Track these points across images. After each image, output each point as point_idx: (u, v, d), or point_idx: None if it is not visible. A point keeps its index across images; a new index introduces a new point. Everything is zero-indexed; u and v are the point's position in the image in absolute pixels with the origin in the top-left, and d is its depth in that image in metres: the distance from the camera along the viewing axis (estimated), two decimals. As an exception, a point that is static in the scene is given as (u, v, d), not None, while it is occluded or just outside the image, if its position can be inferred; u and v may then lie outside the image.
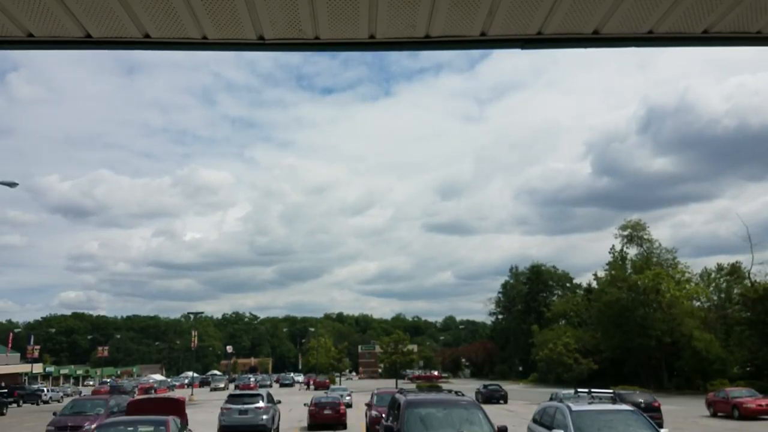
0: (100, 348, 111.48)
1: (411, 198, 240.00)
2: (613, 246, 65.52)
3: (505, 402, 43.55)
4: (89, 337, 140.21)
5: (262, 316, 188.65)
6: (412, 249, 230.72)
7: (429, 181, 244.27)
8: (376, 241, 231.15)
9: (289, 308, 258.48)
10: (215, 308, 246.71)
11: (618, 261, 63.83)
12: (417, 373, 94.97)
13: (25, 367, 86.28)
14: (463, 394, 14.54)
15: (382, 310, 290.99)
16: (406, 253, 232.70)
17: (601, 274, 66.63)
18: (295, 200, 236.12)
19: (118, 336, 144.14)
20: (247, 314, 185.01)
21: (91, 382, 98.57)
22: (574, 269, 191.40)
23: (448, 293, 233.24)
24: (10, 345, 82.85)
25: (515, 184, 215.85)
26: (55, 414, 24.00)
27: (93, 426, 17.96)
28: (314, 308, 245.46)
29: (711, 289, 62.39)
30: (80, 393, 66.08)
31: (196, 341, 76.30)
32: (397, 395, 14.86)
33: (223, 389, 68.28)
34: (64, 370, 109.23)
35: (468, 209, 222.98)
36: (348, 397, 38.73)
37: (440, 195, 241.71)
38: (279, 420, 25.88)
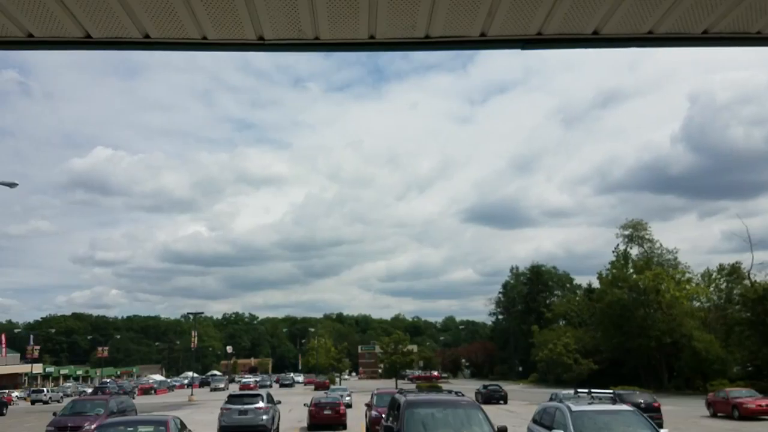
0: (99, 348, 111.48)
1: (461, 186, 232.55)
2: (617, 245, 65.64)
3: (505, 402, 43.50)
4: (89, 337, 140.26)
5: (279, 315, 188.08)
6: (449, 243, 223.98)
7: (492, 158, 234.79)
8: (414, 233, 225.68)
9: (306, 307, 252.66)
10: (231, 306, 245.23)
11: (620, 261, 63.81)
12: (417, 373, 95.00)
13: (25, 368, 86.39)
14: (462, 395, 14.53)
15: (399, 308, 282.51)
16: (442, 247, 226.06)
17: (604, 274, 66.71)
18: (332, 192, 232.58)
19: (118, 336, 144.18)
20: (247, 314, 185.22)
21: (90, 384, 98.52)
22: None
23: (473, 291, 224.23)
24: (5, 345, 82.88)
25: (576, 168, 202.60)
26: (55, 414, 24.00)
27: (93, 426, 17.96)
28: (334, 306, 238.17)
29: (711, 289, 62.36)
30: (80, 394, 66.12)
31: (195, 341, 76.29)
32: (397, 395, 14.86)
33: (223, 389, 68.30)
34: (64, 371, 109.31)
35: (518, 198, 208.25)
36: (348, 398, 38.74)
37: (493, 180, 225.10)
38: (279, 420, 25.88)
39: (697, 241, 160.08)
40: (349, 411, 30.45)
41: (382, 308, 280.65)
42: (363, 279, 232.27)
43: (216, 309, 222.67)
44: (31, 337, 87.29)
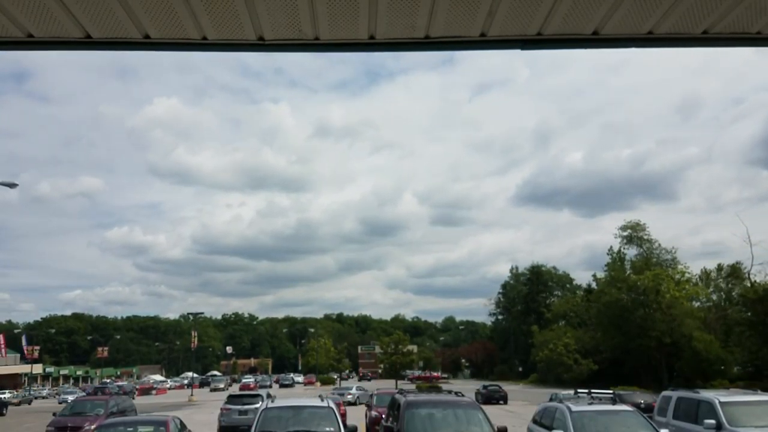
0: (99, 348, 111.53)
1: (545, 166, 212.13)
2: (611, 247, 65.79)
3: (505, 402, 43.49)
4: (89, 337, 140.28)
5: (279, 315, 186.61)
6: (509, 232, 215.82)
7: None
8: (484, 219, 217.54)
9: (322, 305, 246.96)
10: (247, 305, 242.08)
11: (617, 262, 63.88)
12: (417, 373, 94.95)
13: (24, 368, 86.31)
14: (462, 395, 14.53)
15: (419, 306, 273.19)
16: (499, 236, 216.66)
17: (601, 275, 66.82)
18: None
19: (118, 336, 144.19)
20: (246, 315, 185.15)
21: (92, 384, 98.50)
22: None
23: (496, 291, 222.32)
24: (3, 345, 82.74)
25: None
26: (55, 414, 24.00)
27: (93, 426, 17.96)
28: (354, 306, 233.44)
29: (711, 289, 62.35)
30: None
31: (195, 342, 76.30)
32: (397, 396, 14.86)
33: (223, 390, 68.33)
34: (64, 371, 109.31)
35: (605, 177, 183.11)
36: (350, 396, 38.73)
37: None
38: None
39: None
40: (349, 411, 30.44)
41: (401, 306, 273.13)
42: (396, 275, 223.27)
43: (234, 306, 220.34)
44: (24, 337, 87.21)
